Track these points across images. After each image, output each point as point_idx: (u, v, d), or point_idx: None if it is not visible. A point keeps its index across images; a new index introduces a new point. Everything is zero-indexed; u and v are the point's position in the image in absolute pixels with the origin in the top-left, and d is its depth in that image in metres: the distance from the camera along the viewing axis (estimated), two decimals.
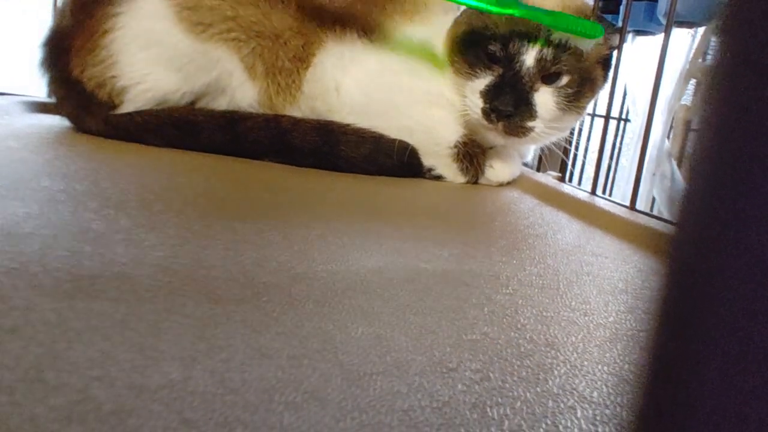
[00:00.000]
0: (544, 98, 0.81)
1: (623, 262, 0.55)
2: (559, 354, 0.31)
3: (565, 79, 0.81)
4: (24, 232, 0.38)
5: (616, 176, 1.30)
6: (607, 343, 0.33)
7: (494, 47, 0.80)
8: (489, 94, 0.80)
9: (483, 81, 0.81)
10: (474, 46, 0.82)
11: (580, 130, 1.23)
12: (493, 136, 0.84)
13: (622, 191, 1.19)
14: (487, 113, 0.80)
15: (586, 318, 0.37)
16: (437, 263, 0.45)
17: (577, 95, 0.83)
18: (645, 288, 0.46)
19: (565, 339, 0.33)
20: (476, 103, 0.81)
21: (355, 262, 0.42)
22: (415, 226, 0.58)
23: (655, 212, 1.12)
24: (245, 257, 0.39)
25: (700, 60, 1.00)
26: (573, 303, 0.39)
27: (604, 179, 1.26)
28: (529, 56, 0.79)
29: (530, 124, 0.81)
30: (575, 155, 0.99)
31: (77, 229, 0.40)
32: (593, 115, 1.23)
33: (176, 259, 0.37)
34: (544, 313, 0.36)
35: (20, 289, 0.29)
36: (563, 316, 0.36)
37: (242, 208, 0.55)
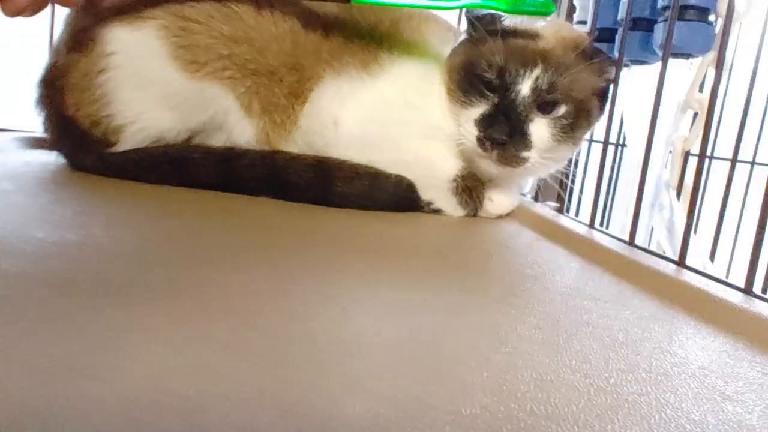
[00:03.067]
0: (540, 128, 0.80)
1: (623, 306, 0.54)
2: (559, 428, 0.30)
3: (561, 109, 0.81)
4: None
5: (614, 204, 1.30)
6: (608, 413, 0.32)
7: (490, 75, 0.80)
8: (483, 123, 0.80)
9: (478, 110, 0.81)
10: (470, 74, 0.82)
11: (577, 161, 1.22)
12: (486, 164, 0.83)
13: (620, 223, 1.18)
14: (481, 141, 0.80)
15: (587, 381, 0.36)
16: (434, 318, 0.44)
17: (573, 126, 0.82)
18: (644, 339, 0.45)
19: (566, 409, 0.32)
20: (471, 132, 0.81)
21: (350, 320, 0.41)
22: (412, 270, 0.58)
23: (653, 242, 1.11)
24: (233, 318, 0.39)
25: (697, 91, 1.00)
26: (573, 362, 0.39)
27: (602, 207, 1.26)
28: (525, 85, 0.79)
29: (525, 154, 0.80)
30: (572, 188, 0.99)
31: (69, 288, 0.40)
32: (591, 141, 1.22)
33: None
34: (544, 377, 0.36)
35: None
36: (563, 380, 0.36)
37: (232, 256, 0.54)
